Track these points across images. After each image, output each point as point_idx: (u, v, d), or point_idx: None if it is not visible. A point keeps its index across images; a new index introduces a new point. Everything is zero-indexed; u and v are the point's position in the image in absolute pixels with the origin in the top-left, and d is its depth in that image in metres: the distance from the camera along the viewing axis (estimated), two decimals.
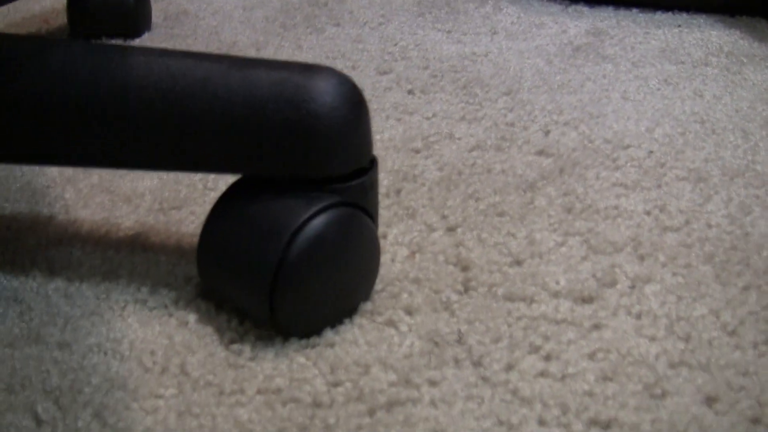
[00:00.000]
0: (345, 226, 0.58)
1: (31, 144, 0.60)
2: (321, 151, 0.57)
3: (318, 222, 0.56)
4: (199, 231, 0.69)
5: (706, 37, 1.19)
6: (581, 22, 1.23)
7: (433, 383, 0.56)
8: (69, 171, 0.81)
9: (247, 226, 0.58)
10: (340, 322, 0.61)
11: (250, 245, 0.57)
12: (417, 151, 0.85)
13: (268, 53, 1.12)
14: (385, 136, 0.88)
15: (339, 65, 1.08)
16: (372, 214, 0.61)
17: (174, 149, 0.58)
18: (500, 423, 0.53)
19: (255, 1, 1.31)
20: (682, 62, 1.09)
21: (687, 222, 0.74)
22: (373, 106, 0.92)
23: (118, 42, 1.18)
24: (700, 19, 1.26)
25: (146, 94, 0.57)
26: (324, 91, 0.57)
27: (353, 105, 0.58)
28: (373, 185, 0.61)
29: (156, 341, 0.60)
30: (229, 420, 0.54)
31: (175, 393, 0.55)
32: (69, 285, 0.65)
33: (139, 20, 1.21)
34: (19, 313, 0.63)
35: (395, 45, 1.13)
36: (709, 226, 0.73)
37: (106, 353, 0.58)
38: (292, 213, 0.56)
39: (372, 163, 0.61)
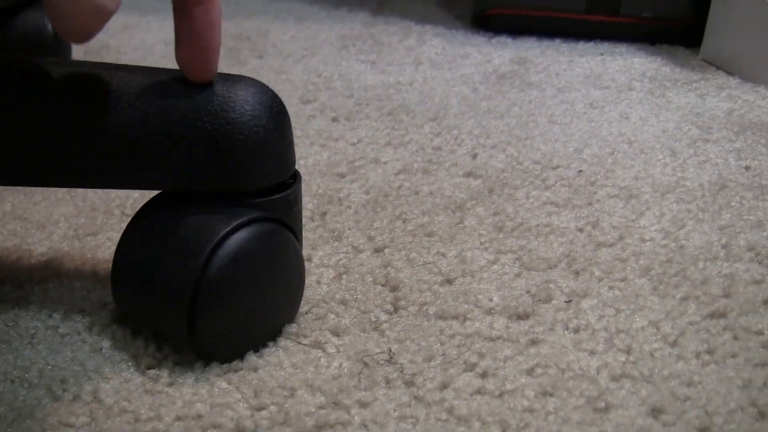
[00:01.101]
0: (267, 242, 0.55)
1: None
2: (241, 162, 0.54)
3: (238, 237, 0.53)
4: None
5: (629, 64, 1.18)
6: (505, 52, 1.22)
7: (363, 404, 0.53)
8: None
9: (163, 245, 0.54)
10: (264, 345, 0.57)
11: (166, 264, 0.54)
12: (342, 176, 0.82)
13: None
14: (310, 161, 0.85)
15: None
16: (296, 231, 0.58)
17: (88, 164, 0.55)
18: None
19: None
20: (607, 87, 1.09)
21: (621, 237, 0.72)
22: (297, 133, 0.89)
23: None
24: (622, 48, 1.26)
25: (55, 106, 0.54)
26: (244, 100, 0.53)
27: (274, 114, 0.55)
28: (296, 200, 0.58)
29: (67, 368, 0.56)
30: None
31: (87, 421, 0.51)
32: None
33: (58, 54, 1.18)
34: None
35: (319, 76, 1.11)
36: (643, 240, 0.71)
37: (12, 381, 0.54)
38: (210, 228, 0.53)
39: (295, 178, 0.58)
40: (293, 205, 0.58)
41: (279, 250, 0.56)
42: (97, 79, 0.54)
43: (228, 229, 0.53)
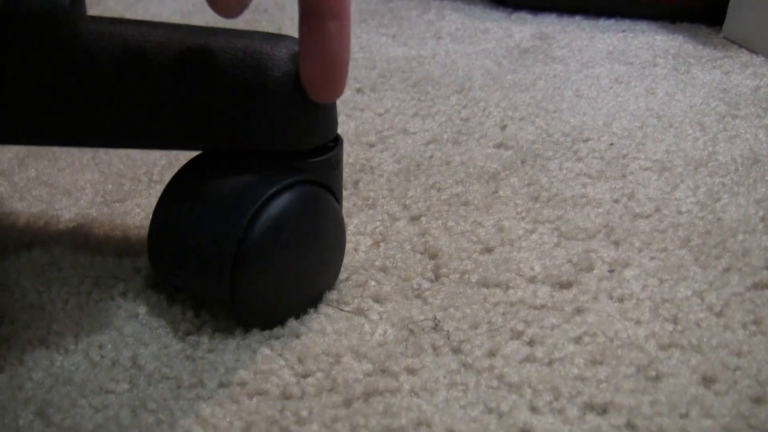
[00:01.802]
0: (310, 205, 0.53)
1: None
2: (284, 122, 0.52)
3: (282, 200, 0.52)
4: (146, 223, 0.65)
5: (650, 40, 1.17)
6: (526, 28, 1.21)
7: (412, 371, 0.52)
8: (3, 164, 0.76)
9: (203, 206, 0.53)
10: (305, 311, 0.56)
11: (206, 226, 0.52)
12: (372, 145, 0.81)
13: None
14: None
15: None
16: (337, 195, 0.57)
17: (127, 122, 0.53)
18: (489, 410, 0.49)
19: (193, 7, 1.27)
20: (631, 63, 1.07)
21: (657, 209, 0.71)
22: None
23: None
24: (643, 25, 1.24)
25: (95, 63, 0.52)
26: (288, 59, 0.52)
27: None
28: (338, 163, 0.57)
29: (104, 334, 0.54)
30: (190, 415, 0.49)
31: (128, 387, 0.50)
32: (5, 278, 0.60)
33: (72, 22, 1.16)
34: None
35: None
36: (680, 212, 0.70)
37: (48, 347, 0.53)
38: (253, 190, 0.52)
39: (336, 141, 0.57)
40: (335, 168, 0.56)
41: (321, 214, 0.55)
42: (139, 37, 0.53)
43: (272, 192, 0.51)
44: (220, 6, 0.46)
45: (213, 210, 0.52)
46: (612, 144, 0.82)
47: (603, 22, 1.25)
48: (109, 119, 0.53)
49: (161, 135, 0.53)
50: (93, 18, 0.54)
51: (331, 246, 0.57)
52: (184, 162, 0.56)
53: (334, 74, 0.50)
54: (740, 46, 1.16)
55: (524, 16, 1.27)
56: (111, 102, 0.52)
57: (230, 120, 0.52)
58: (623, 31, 1.21)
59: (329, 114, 0.55)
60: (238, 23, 1.18)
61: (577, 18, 1.27)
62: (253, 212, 0.51)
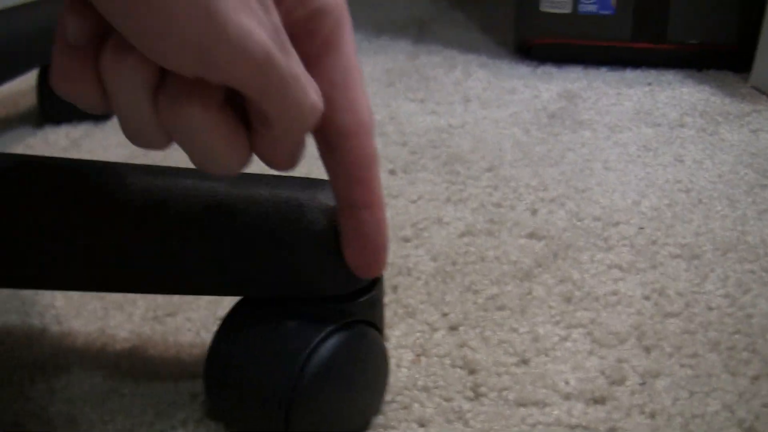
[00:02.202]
0: (356, 345, 0.57)
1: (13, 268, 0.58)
2: (328, 272, 0.55)
3: (330, 344, 0.55)
4: (197, 341, 0.68)
5: (677, 95, 1.19)
6: (552, 85, 1.23)
7: None
8: None
9: (257, 350, 0.56)
10: None
11: (261, 370, 0.55)
12: (407, 240, 0.84)
13: None
14: None
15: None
16: (380, 329, 0.60)
17: (172, 273, 0.56)
18: None
19: None
20: (659, 124, 1.09)
21: (687, 305, 0.73)
22: None
23: (89, 125, 1.16)
24: (669, 75, 1.26)
25: (143, 217, 0.55)
26: (325, 210, 0.55)
27: None
28: (380, 300, 0.60)
29: None
30: None
31: None
32: (71, 407, 0.63)
33: None
34: None
35: None
36: (710, 308, 0.73)
37: None
38: (303, 336, 0.55)
39: (379, 277, 0.60)
40: (377, 303, 0.59)
41: (367, 351, 0.58)
42: (185, 191, 0.56)
43: (320, 337, 0.55)
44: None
45: (266, 356, 0.55)
46: (642, 228, 0.85)
47: (629, 74, 1.27)
48: (158, 269, 0.56)
49: (208, 284, 0.57)
50: (142, 168, 0.58)
51: (377, 377, 0.60)
52: None
53: (373, 256, 0.53)
54: None
55: (549, 70, 1.30)
56: (160, 254, 0.56)
57: (275, 271, 0.55)
58: (649, 84, 1.24)
59: None
60: None
61: (603, 70, 1.29)
62: (304, 359, 0.54)
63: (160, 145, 0.45)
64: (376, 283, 0.59)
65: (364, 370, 0.58)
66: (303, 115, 0.44)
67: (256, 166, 0.49)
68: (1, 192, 0.56)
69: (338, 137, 0.49)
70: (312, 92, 0.44)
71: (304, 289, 0.56)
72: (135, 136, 0.45)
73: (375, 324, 0.59)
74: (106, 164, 0.59)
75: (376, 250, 0.53)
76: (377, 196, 0.51)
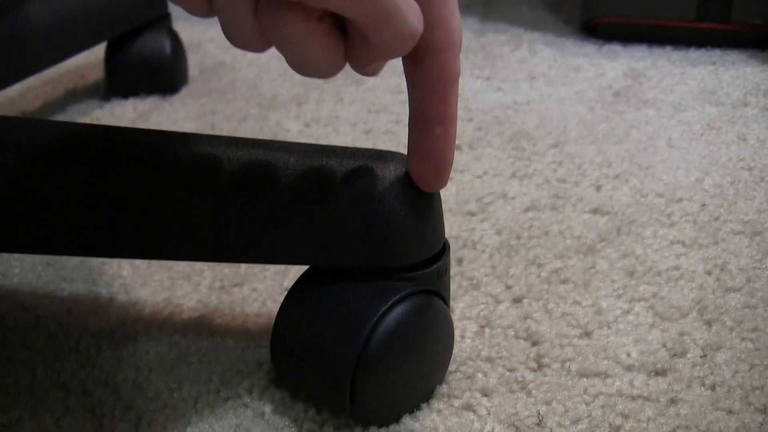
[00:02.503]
0: (422, 315, 0.58)
1: (81, 236, 0.60)
2: (396, 242, 0.57)
3: (396, 313, 0.56)
4: (263, 311, 0.70)
5: (741, 74, 1.19)
6: (617, 64, 1.24)
7: None
8: None
9: (324, 318, 0.58)
10: (418, 407, 0.61)
11: (327, 338, 0.57)
12: (473, 214, 0.85)
13: (310, 107, 1.12)
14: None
15: (383, 119, 1.08)
16: (446, 299, 0.61)
17: (243, 242, 0.58)
18: None
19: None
20: (722, 104, 1.09)
21: (748, 280, 0.74)
22: None
23: (157, 98, 1.19)
24: (734, 55, 1.26)
25: (215, 186, 0.57)
26: (397, 181, 0.56)
27: (426, 193, 0.58)
28: (446, 270, 0.61)
29: None
30: None
31: None
32: (138, 375, 0.65)
33: (176, 74, 1.22)
34: (90, 408, 0.62)
35: None
36: None
37: None
38: (370, 305, 0.56)
39: (445, 247, 0.61)
40: (443, 274, 0.61)
41: (432, 321, 0.59)
42: (256, 161, 0.58)
43: (387, 306, 0.56)
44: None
45: (334, 323, 0.57)
46: (704, 205, 0.86)
47: (693, 53, 1.27)
48: (229, 238, 0.58)
49: (277, 253, 0.58)
50: (212, 139, 0.60)
51: (442, 347, 0.61)
52: None
53: (439, 171, 0.55)
54: None
55: (615, 48, 1.30)
56: (230, 223, 0.58)
57: (344, 242, 0.57)
58: (713, 63, 1.24)
59: (437, 228, 0.59)
60: None
61: (667, 48, 1.29)
62: (371, 327, 0.56)
63: (258, 47, 0.46)
64: (442, 254, 0.61)
65: (429, 340, 0.60)
66: (402, 39, 0.45)
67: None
68: (74, 160, 0.58)
69: (427, 52, 0.50)
70: (412, 17, 0.45)
71: (374, 258, 0.58)
72: (234, 38, 0.46)
73: (441, 294, 0.60)
74: (181, 134, 0.61)
75: (444, 165, 0.55)
76: (452, 113, 0.53)
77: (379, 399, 0.57)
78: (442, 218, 0.60)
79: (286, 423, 0.60)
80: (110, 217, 0.58)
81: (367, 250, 0.57)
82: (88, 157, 0.58)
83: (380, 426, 0.59)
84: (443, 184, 0.56)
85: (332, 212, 0.56)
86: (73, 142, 0.59)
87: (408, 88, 0.53)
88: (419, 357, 0.59)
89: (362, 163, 0.58)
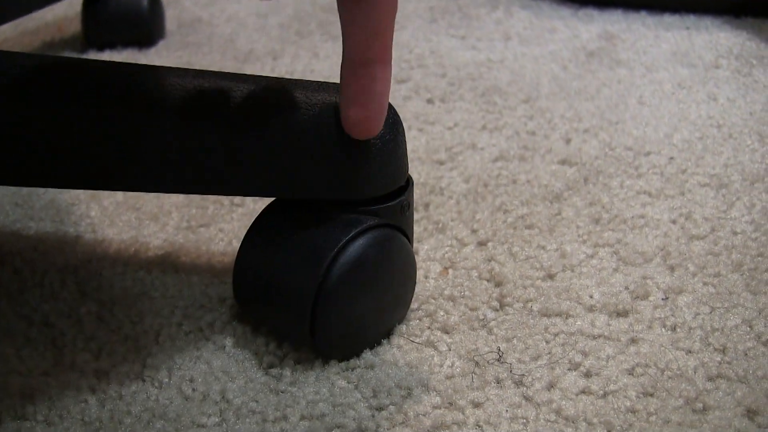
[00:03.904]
0: (384, 248, 0.58)
1: (47, 166, 0.59)
2: (359, 174, 0.57)
3: (357, 244, 0.57)
4: (229, 249, 0.70)
5: (714, 39, 1.19)
6: (592, 27, 1.24)
7: (476, 405, 0.56)
8: None
9: (285, 250, 0.58)
10: (379, 343, 0.61)
11: (288, 269, 0.57)
12: (441, 163, 0.86)
13: (285, 62, 1.12)
14: (410, 147, 0.88)
15: None
16: (408, 235, 0.61)
17: (207, 173, 0.58)
18: None
19: (268, 8, 1.31)
20: (694, 65, 1.10)
21: (713, 229, 0.74)
22: None
23: (134, 51, 1.18)
24: (707, 21, 1.26)
25: (178, 116, 0.57)
26: None
27: (390, 125, 0.58)
28: (409, 205, 0.61)
29: (194, 367, 0.60)
30: None
31: (218, 421, 0.56)
32: (100, 308, 0.65)
33: (153, 28, 1.21)
34: (51, 339, 0.63)
35: (411, 52, 1.14)
36: (735, 233, 0.74)
37: (144, 381, 0.59)
38: (330, 235, 0.57)
39: (408, 183, 0.61)
40: (406, 209, 0.61)
41: (394, 255, 0.60)
42: (220, 91, 0.58)
43: (348, 237, 0.56)
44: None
45: (294, 255, 0.57)
46: (672, 158, 0.86)
47: (667, 18, 1.27)
48: (191, 168, 0.58)
49: (241, 184, 0.58)
50: (177, 71, 0.59)
51: (404, 282, 0.62)
52: None
53: (380, 115, 0.55)
54: None
55: (590, 12, 1.30)
56: (194, 153, 0.57)
57: (308, 173, 0.57)
58: (687, 28, 1.24)
59: (401, 162, 0.59)
60: (311, 23, 1.22)
61: (643, 13, 1.29)
62: (331, 257, 0.56)
63: None
64: (405, 189, 0.61)
65: (391, 274, 0.60)
66: None
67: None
68: (33, 90, 0.58)
69: None
70: None
71: (336, 191, 0.58)
72: None
73: (403, 230, 0.60)
74: (148, 66, 0.61)
75: (383, 108, 0.54)
76: (390, 53, 0.53)
77: (339, 331, 0.58)
78: (406, 153, 0.60)
79: (247, 356, 0.60)
80: (70, 148, 0.58)
81: (329, 182, 0.57)
82: (47, 89, 0.58)
83: (341, 360, 0.60)
84: (379, 127, 0.55)
85: (294, 143, 0.56)
86: (34, 76, 0.59)
87: (344, 31, 0.52)
88: (380, 290, 0.59)
89: (327, 96, 0.58)
